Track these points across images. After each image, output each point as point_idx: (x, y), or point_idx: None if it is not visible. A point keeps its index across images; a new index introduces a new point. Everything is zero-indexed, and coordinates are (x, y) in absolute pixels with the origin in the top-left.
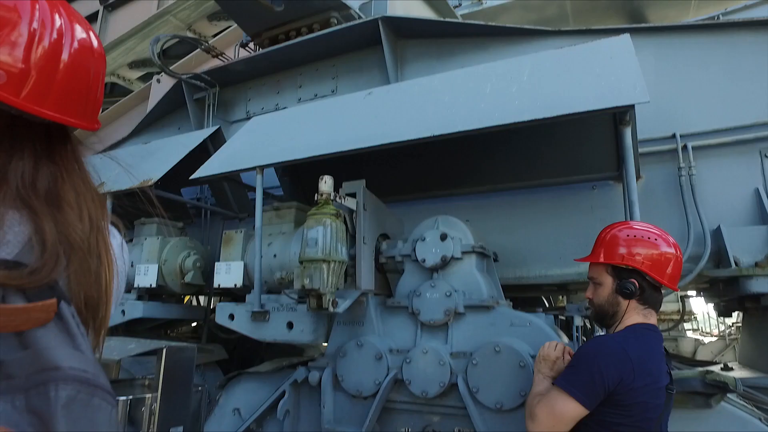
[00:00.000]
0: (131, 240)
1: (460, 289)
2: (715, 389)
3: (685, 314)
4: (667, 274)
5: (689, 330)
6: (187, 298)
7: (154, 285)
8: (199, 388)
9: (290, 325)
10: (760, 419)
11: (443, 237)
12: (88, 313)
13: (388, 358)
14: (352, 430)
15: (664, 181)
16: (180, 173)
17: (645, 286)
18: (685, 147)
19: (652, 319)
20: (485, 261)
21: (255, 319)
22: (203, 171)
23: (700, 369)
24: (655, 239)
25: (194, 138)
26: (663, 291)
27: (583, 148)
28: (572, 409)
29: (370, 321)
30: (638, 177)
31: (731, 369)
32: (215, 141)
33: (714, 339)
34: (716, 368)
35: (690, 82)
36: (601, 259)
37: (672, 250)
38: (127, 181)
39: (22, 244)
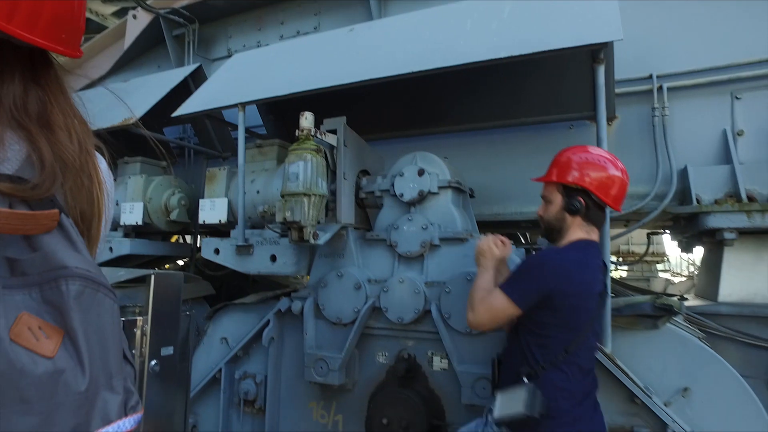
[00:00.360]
0: (115, 179)
1: (436, 222)
2: (662, 312)
3: (657, 255)
4: (612, 195)
5: (661, 271)
6: (174, 237)
7: (140, 222)
8: (187, 314)
9: (273, 258)
10: (699, 338)
11: (420, 172)
12: (83, 225)
13: (367, 288)
14: (333, 354)
15: (638, 120)
16: (162, 112)
17: (590, 205)
18: (660, 88)
19: (593, 236)
20: (461, 196)
21: (239, 253)
22: (185, 108)
23: (651, 295)
24: (605, 163)
25: (175, 76)
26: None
27: (562, 87)
28: (508, 308)
29: (350, 253)
30: (613, 117)
31: (686, 299)
32: (196, 79)
33: (684, 279)
34: (673, 298)
35: (671, 22)
36: (554, 178)
37: (618, 174)
38: (108, 119)
39: (21, 161)
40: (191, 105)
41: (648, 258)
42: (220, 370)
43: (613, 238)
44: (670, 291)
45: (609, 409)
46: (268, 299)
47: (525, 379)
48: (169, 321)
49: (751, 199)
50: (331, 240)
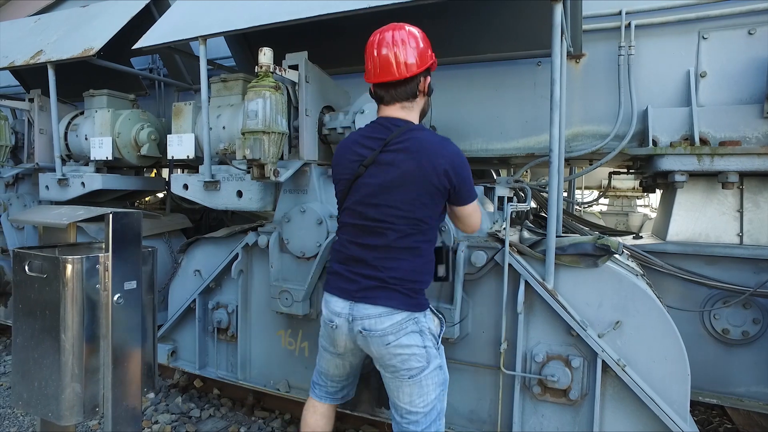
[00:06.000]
0: (82, 112)
1: None
2: (602, 251)
3: (609, 189)
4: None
5: (641, 206)
6: (154, 172)
7: (110, 158)
8: (149, 250)
9: (240, 194)
10: (637, 275)
11: None
12: None
13: (328, 223)
14: (297, 286)
15: (606, 59)
16: (126, 41)
17: None
18: (629, 25)
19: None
20: None
21: (207, 189)
22: (145, 41)
23: (594, 235)
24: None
25: (136, 3)
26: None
27: (530, 23)
28: None
29: (313, 189)
30: (581, 54)
31: (641, 237)
32: (160, 6)
33: None
34: (629, 237)
35: None
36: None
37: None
38: (67, 48)
39: None
40: (151, 37)
41: (628, 194)
42: (194, 300)
43: (577, 176)
44: (647, 226)
45: (549, 339)
46: (236, 233)
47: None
48: (130, 257)
49: (704, 142)
50: (295, 176)
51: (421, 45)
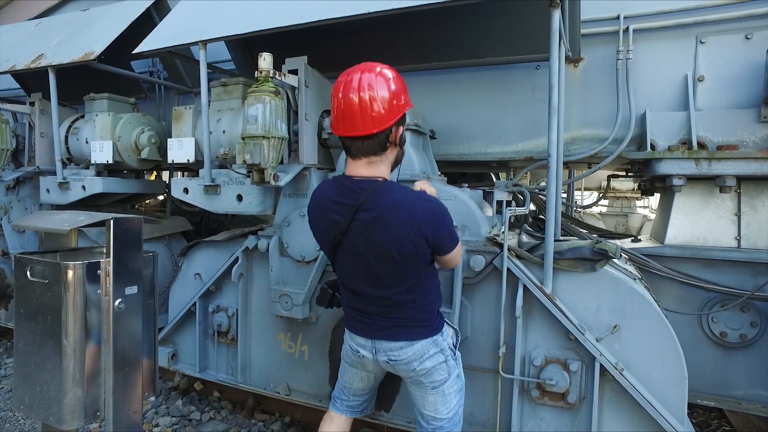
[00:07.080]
0: (83, 116)
1: None
2: (600, 256)
3: (608, 191)
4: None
5: (641, 207)
6: (153, 175)
7: (110, 161)
8: (150, 255)
9: (240, 198)
10: (635, 279)
11: None
12: None
13: None
14: (297, 290)
15: (604, 63)
16: (127, 45)
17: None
18: (627, 29)
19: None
20: (421, 138)
21: (207, 192)
22: (146, 45)
23: (592, 240)
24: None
25: (136, 7)
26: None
27: (528, 27)
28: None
29: None
30: (579, 58)
31: (639, 240)
32: (160, 10)
33: None
34: (628, 240)
35: None
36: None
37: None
38: (68, 52)
39: None
40: (152, 42)
41: (628, 195)
42: (194, 303)
43: (575, 179)
44: (646, 227)
45: (547, 343)
46: (237, 237)
47: None
48: (131, 262)
49: (701, 146)
50: (295, 180)
51: (393, 87)
